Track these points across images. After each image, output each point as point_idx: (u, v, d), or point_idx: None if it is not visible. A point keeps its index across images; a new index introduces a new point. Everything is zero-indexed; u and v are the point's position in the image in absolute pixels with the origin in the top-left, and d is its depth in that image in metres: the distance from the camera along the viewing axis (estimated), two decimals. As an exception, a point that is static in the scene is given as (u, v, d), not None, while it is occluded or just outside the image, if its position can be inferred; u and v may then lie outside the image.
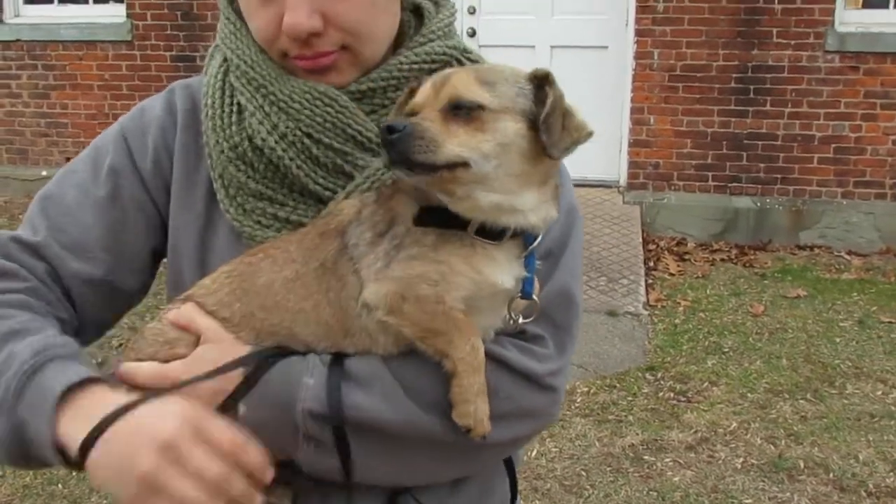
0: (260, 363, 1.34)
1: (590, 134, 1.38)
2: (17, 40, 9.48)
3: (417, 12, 1.59)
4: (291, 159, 1.43)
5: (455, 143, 1.26)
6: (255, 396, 1.33)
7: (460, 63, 1.54)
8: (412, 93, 1.35)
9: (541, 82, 1.34)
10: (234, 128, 1.46)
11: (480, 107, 1.28)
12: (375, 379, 1.34)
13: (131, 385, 1.34)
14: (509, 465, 1.56)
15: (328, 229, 1.39)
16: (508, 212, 1.32)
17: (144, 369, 1.37)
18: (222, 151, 1.46)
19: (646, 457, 4.75)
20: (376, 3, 1.44)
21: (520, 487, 4.44)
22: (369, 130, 1.45)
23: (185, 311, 1.42)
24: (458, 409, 1.31)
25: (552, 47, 8.66)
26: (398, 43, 1.54)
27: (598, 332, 6.21)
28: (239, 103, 1.47)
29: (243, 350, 1.36)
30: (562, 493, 4.44)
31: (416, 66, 1.48)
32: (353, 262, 1.35)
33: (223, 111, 1.48)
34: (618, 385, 5.56)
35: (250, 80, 1.46)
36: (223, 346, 1.37)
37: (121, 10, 9.24)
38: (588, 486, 4.50)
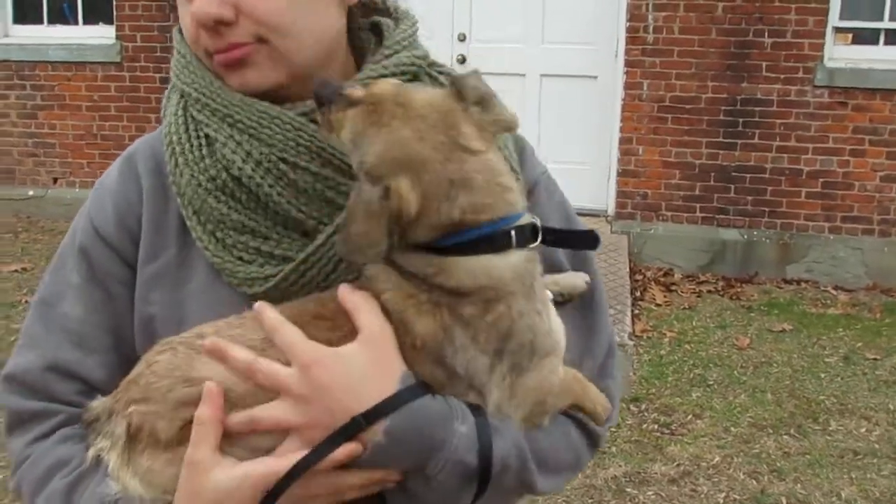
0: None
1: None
2: (6, 60, 9.48)
3: (376, 30, 1.53)
4: (271, 186, 1.34)
5: None
6: (394, 427, 1.19)
7: (429, 75, 1.48)
8: None
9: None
10: (207, 161, 1.38)
11: None
12: (507, 430, 1.29)
13: (221, 362, 1.22)
14: None
15: (405, 349, 1.23)
16: None
17: (235, 352, 1.22)
18: (199, 185, 1.38)
19: (628, 489, 4.69)
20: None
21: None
22: (344, 154, 1.34)
23: (354, 296, 1.25)
24: (594, 417, 1.39)
25: (542, 75, 8.68)
26: (359, 63, 1.49)
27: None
28: (207, 135, 1.39)
29: (395, 376, 1.21)
30: (542, 526, 4.38)
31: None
32: (471, 389, 1.25)
33: (191, 145, 1.40)
34: (601, 416, 5.50)
35: (214, 111, 1.38)
36: (381, 355, 1.21)
37: (110, 31, 9.23)
38: (568, 519, 4.44)
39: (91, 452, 1.28)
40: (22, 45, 9.47)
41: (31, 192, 9.62)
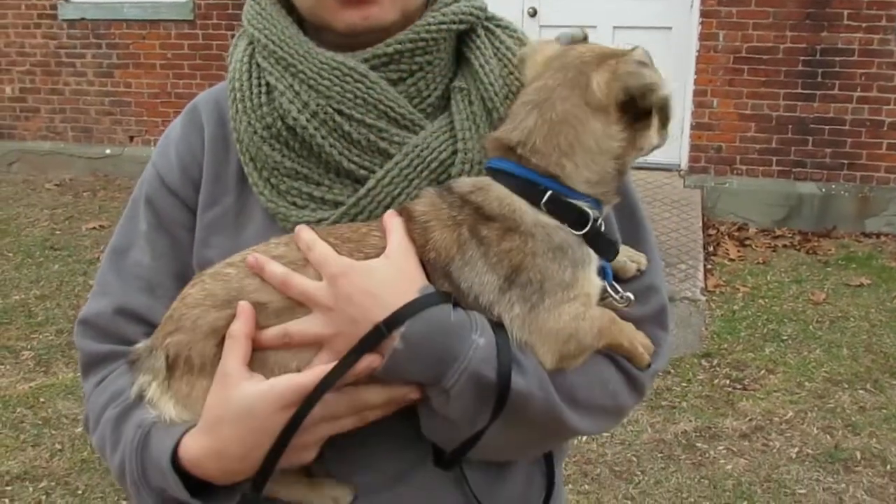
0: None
1: None
2: (82, 19, 9.67)
3: None
4: (324, 137, 1.39)
5: None
6: (412, 333, 1.23)
7: (487, 30, 1.51)
8: None
9: None
10: (265, 108, 1.42)
11: None
12: (527, 360, 1.31)
13: (259, 275, 1.30)
14: (548, 459, 1.54)
15: (430, 259, 1.31)
16: None
17: (272, 266, 1.30)
18: (255, 132, 1.42)
19: (698, 444, 4.67)
20: None
21: (569, 472, 4.38)
22: (401, 107, 1.41)
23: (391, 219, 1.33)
24: (634, 360, 1.40)
25: (615, 27, 8.52)
26: (422, 10, 1.49)
27: (654, 318, 6.12)
28: (268, 83, 1.43)
29: (415, 287, 1.26)
30: (612, 479, 4.40)
31: (443, 27, 1.43)
32: (478, 307, 1.30)
33: (251, 92, 1.44)
34: (672, 371, 5.48)
35: (278, 60, 1.42)
36: (404, 268, 1.28)
37: (185, -12, 9.36)
38: (639, 473, 4.44)
39: (135, 389, 1.36)
40: (97, 4, 9.64)
41: (108, 151, 9.85)
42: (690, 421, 4.90)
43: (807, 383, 5.30)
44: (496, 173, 1.34)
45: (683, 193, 8.12)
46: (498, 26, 1.52)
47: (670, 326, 1.53)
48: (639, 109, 1.31)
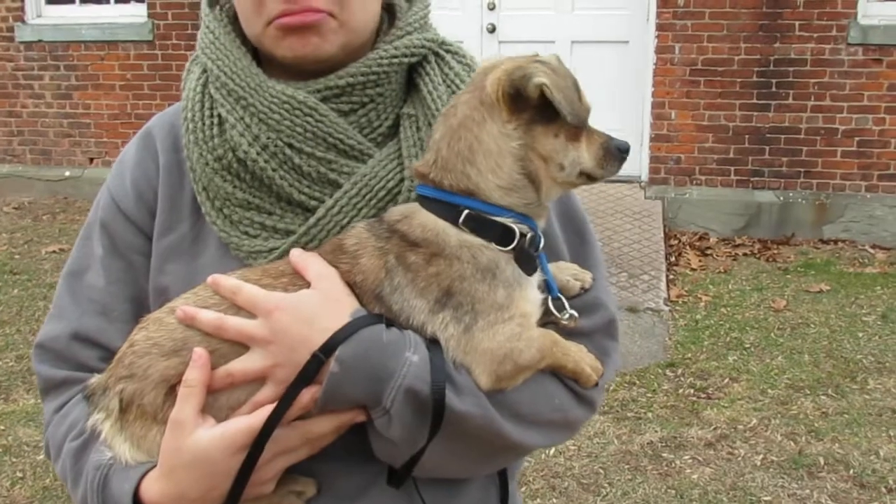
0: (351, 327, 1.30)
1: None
2: (40, 41, 9.58)
3: (389, 10, 1.57)
4: (274, 170, 1.42)
5: None
6: (346, 356, 1.27)
7: (437, 56, 1.53)
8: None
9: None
10: (216, 140, 1.44)
11: None
12: (462, 377, 1.33)
13: (192, 325, 1.33)
14: (502, 473, 1.56)
15: (357, 282, 1.35)
16: None
17: (204, 314, 1.33)
18: (206, 164, 1.45)
19: (665, 454, 4.72)
20: None
21: (537, 486, 4.37)
22: (350, 138, 1.44)
23: (299, 255, 1.37)
24: (581, 380, 1.42)
25: (573, 42, 8.63)
26: (372, 42, 1.52)
27: (619, 329, 6.16)
28: (220, 115, 1.45)
29: (347, 310, 1.30)
30: (580, 492, 4.42)
31: (395, 60, 1.46)
32: (418, 329, 1.34)
33: (203, 123, 1.46)
34: (637, 382, 5.52)
35: (230, 92, 1.44)
36: (332, 293, 1.32)
37: (142, 9, 9.31)
38: (606, 485, 4.47)
39: (90, 423, 1.39)
40: (55, 26, 9.56)
41: (67, 173, 9.75)
42: (656, 431, 4.94)
43: (770, 390, 5.38)
44: (421, 199, 1.38)
45: (645, 205, 8.20)
46: (448, 52, 1.55)
47: (618, 337, 1.56)
48: (531, 107, 1.33)
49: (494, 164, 1.34)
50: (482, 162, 1.34)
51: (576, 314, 1.41)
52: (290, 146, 1.41)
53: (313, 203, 1.44)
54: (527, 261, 1.37)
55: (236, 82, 1.44)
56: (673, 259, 7.61)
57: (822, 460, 4.62)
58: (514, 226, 1.35)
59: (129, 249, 1.52)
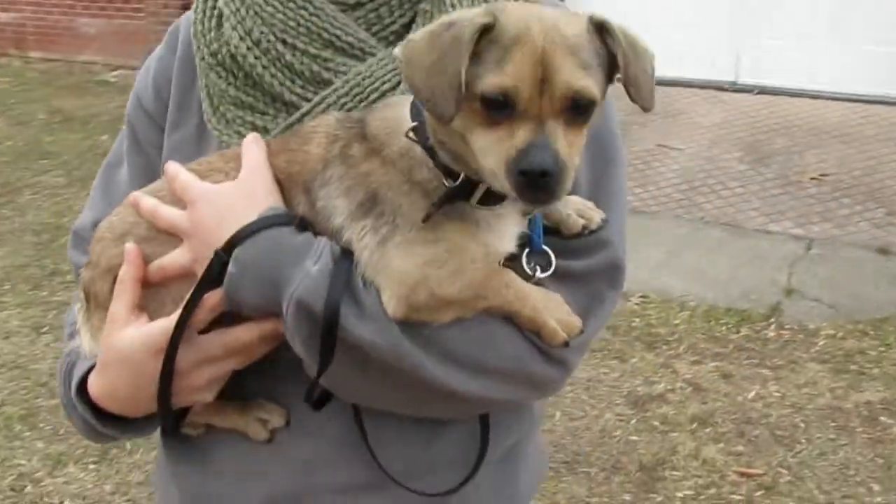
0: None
1: (653, 56, 1.17)
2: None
3: None
4: (265, 67, 1.35)
5: (572, 153, 1.09)
6: (244, 256, 1.19)
7: None
8: (485, 32, 1.08)
9: (601, 30, 1.12)
10: (213, 34, 1.39)
11: (593, 103, 1.09)
12: (372, 302, 1.18)
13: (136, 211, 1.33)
14: (483, 420, 1.37)
15: (292, 173, 1.26)
16: None
17: (144, 201, 1.32)
18: (203, 58, 1.40)
19: (882, 418, 4.19)
20: None
21: (724, 429, 4.05)
22: (349, 34, 1.33)
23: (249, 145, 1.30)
24: (543, 334, 1.22)
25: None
26: None
27: (862, 271, 5.55)
28: (219, 9, 1.40)
29: (262, 204, 1.22)
30: (770, 443, 4.04)
31: None
32: (331, 231, 1.21)
33: (205, 15, 1.41)
34: (871, 332, 4.93)
35: None
36: (252, 189, 1.24)
37: None
38: (803, 440, 4.05)
39: (75, 311, 1.42)
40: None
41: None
42: (878, 391, 4.40)
43: None
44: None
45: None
46: None
47: (620, 284, 1.34)
48: None
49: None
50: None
51: (539, 272, 1.22)
52: (284, 42, 1.33)
53: (305, 104, 1.34)
54: (490, 198, 1.17)
55: None
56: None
57: None
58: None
59: (149, 145, 1.52)
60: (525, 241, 1.24)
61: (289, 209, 1.23)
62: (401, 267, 1.15)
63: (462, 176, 1.15)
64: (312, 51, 1.33)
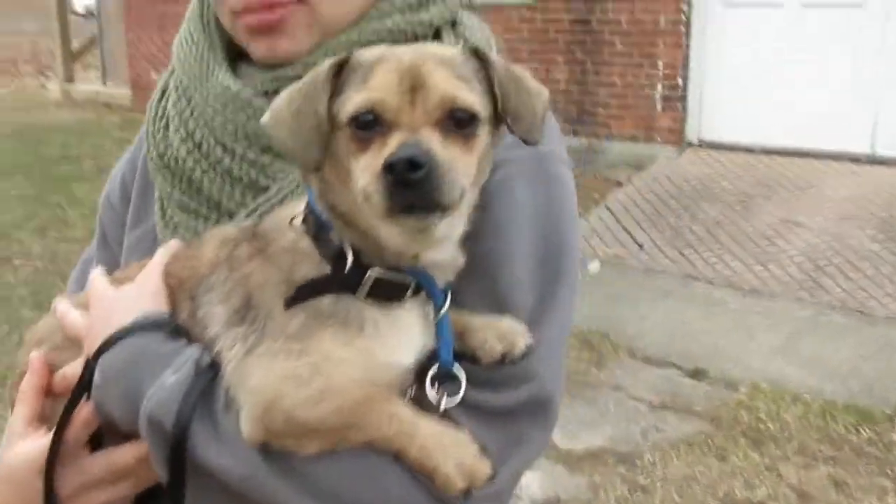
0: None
1: (545, 96, 1.11)
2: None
3: None
4: (204, 171, 1.28)
5: (458, 165, 1.00)
6: (108, 365, 1.12)
7: (436, 36, 1.30)
8: (339, 69, 1.04)
9: (478, 55, 1.08)
10: (160, 134, 1.35)
11: (474, 117, 1.02)
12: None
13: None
14: None
15: (183, 279, 1.17)
16: (439, 244, 1.07)
17: (58, 306, 1.31)
18: (152, 159, 1.36)
19: None
20: None
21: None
22: None
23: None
24: (436, 480, 1.04)
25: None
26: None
27: None
28: (168, 110, 1.37)
29: (138, 311, 1.16)
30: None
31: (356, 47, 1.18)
32: (207, 342, 1.10)
33: (156, 115, 1.38)
34: None
35: (179, 82, 1.35)
36: (139, 292, 1.19)
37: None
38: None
39: None
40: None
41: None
42: None
43: None
44: None
45: None
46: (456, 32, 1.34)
47: (549, 422, 1.15)
48: None
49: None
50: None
51: (446, 400, 1.05)
52: (224, 146, 1.27)
53: (243, 212, 1.26)
54: (384, 292, 1.04)
55: (185, 71, 1.34)
56: None
57: None
58: (348, 247, 1.05)
59: (114, 242, 1.47)
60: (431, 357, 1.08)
61: (171, 317, 1.15)
62: (258, 383, 1.01)
63: (349, 263, 1.03)
64: (251, 156, 1.27)
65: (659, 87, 8.49)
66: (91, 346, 1.15)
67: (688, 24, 8.25)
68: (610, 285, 6.26)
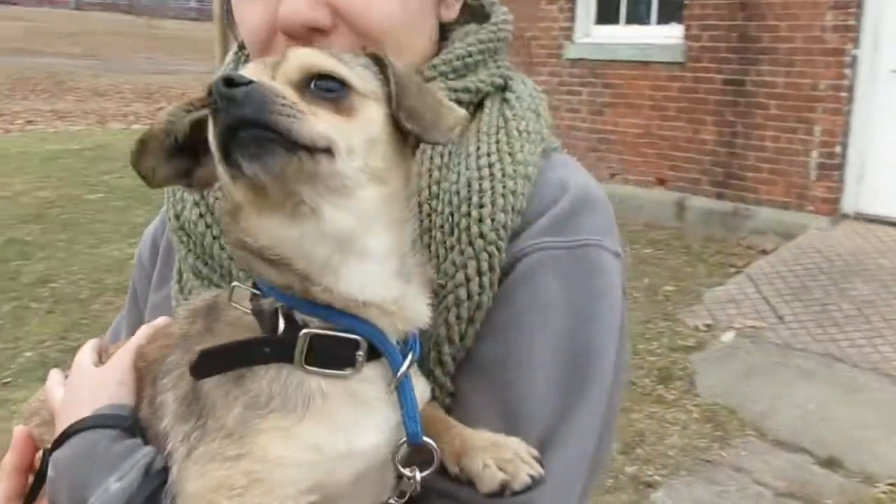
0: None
1: (463, 116, 1.03)
2: (582, 59, 9.86)
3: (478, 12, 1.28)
4: (215, 237, 1.21)
5: (321, 121, 0.92)
6: (61, 459, 1.08)
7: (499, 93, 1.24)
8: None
9: (378, 60, 1.02)
10: (179, 194, 1.31)
11: (346, 85, 0.96)
12: None
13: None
14: None
15: (150, 361, 1.10)
16: (356, 255, 0.94)
17: (50, 379, 1.28)
18: (170, 220, 1.32)
19: None
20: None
21: None
22: None
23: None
24: None
25: None
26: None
27: None
28: None
29: (103, 399, 1.11)
30: None
31: None
32: (164, 437, 1.01)
33: None
34: None
35: None
36: (106, 377, 1.15)
37: (679, 31, 9.08)
38: None
39: None
40: (599, 45, 9.78)
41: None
42: None
43: None
44: None
45: None
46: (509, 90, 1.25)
47: None
48: None
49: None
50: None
51: (416, 478, 0.93)
52: None
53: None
54: (329, 355, 0.91)
55: None
56: None
57: None
58: (276, 308, 0.94)
59: (143, 300, 1.45)
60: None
61: (135, 405, 1.08)
62: (191, 490, 0.90)
63: (281, 326, 0.91)
64: None
65: (814, 153, 8.05)
66: (59, 429, 1.11)
67: (850, 90, 7.80)
68: (743, 358, 5.89)
